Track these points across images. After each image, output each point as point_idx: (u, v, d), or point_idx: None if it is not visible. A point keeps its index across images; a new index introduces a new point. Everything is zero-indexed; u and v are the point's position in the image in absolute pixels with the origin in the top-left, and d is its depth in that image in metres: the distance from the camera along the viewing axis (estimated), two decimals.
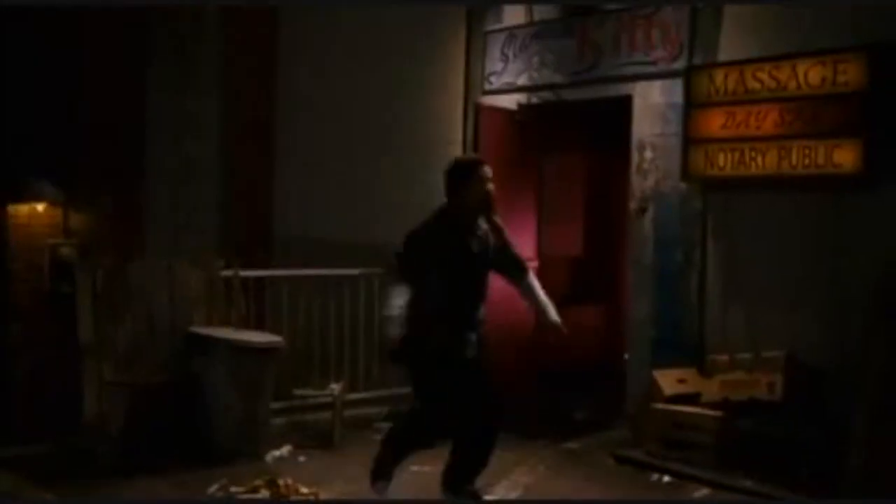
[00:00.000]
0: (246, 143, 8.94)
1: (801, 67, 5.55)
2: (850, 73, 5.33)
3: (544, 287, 7.03)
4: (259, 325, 6.39)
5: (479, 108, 7.01)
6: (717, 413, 5.60)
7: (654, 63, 6.44)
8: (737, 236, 6.04)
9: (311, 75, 8.57)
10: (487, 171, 4.71)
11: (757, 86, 5.73)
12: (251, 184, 8.98)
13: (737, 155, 5.83)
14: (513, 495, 5.25)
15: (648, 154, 6.48)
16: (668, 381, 5.97)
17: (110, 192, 8.65)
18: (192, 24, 8.66)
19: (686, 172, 6.15)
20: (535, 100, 7.26)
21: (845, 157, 5.36)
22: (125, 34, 8.55)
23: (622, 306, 7.54)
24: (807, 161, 5.52)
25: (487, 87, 7.58)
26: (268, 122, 8.97)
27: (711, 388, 5.72)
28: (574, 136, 7.78)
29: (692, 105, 6.08)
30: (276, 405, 6.20)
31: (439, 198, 7.59)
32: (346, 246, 7.92)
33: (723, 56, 6.05)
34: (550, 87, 7.13)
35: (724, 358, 5.76)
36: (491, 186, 4.71)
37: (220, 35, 8.77)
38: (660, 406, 5.83)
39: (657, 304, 6.44)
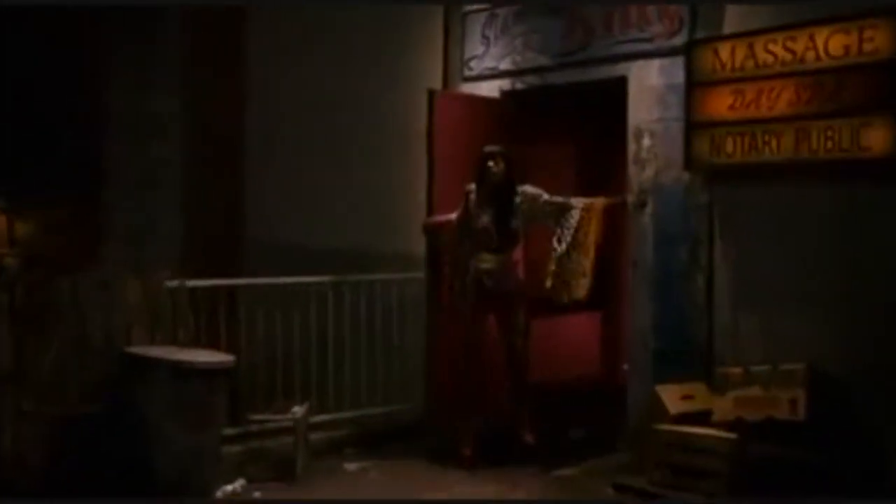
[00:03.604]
0: (213, 144, 8.36)
1: (821, 36, 4.82)
2: (879, 40, 4.60)
3: (533, 292, 6.44)
4: (213, 342, 5.68)
5: (433, 97, 6.27)
6: (731, 435, 4.89)
7: (650, 40, 5.74)
8: (748, 232, 5.32)
9: (280, 72, 7.98)
10: None
11: (769, 59, 5.01)
12: (220, 188, 8.39)
13: (747, 139, 5.11)
14: None
15: (646, 142, 5.77)
16: (674, 397, 5.27)
17: (65, 197, 8.05)
18: (153, 20, 8.08)
19: (689, 161, 5.43)
20: (519, 85, 6.55)
21: (875, 137, 4.63)
22: (82, 31, 7.98)
23: (621, 312, 6.83)
24: (829, 144, 4.80)
25: (467, 73, 6.87)
26: (236, 121, 8.37)
27: (724, 406, 5.01)
28: (564, 124, 7.06)
29: (695, 85, 5.36)
30: (231, 431, 5.50)
31: (418, 196, 6.99)
32: (320, 252, 7.27)
33: (729, 28, 5.33)
34: (536, 70, 6.42)
35: (738, 371, 5.05)
36: None
37: (183, 31, 8.20)
38: (664, 427, 5.11)
39: (659, 309, 5.73)
